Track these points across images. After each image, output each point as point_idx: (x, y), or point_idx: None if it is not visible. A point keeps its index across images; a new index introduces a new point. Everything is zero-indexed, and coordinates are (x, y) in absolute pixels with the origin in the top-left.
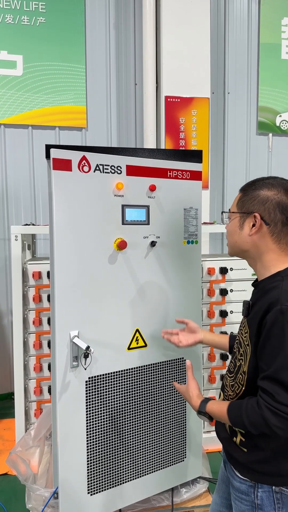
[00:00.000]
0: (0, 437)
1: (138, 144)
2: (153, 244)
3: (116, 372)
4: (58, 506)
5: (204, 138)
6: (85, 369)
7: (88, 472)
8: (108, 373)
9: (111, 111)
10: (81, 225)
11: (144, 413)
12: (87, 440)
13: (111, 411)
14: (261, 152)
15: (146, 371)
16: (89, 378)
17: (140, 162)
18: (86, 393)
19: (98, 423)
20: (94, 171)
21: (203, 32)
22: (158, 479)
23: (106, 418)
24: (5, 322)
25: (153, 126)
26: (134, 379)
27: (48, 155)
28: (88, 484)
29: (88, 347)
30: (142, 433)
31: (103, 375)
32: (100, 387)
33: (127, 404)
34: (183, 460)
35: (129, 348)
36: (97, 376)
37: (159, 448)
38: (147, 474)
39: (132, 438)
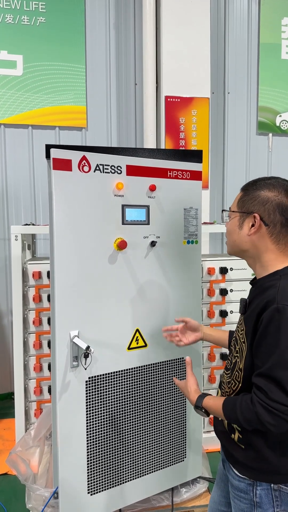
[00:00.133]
0: (0, 437)
1: (138, 144)
2: (153, 244)
3: (116, 372)
4: (58, 506)
5: (204, 138)
6: (85, 369)
7: (88, 472)
8: (108, 373)
9: (111, 111)
10: (81, 225)
11: (144, 413)
12: (87, 440)
13: (111, 411)
14: (261, 152)
15: (146, 371)
16: (89, 378)
17: (140, 162)
18: (86, 393)
19: (98, 423)
20: (94, 171)
21: (203, 32)
22: (158, 479)
23: (106, 418)
24: (5, 322)
25: (153, 126)
26: (134, 379)
27: (48, 155)
28: (88, 484)
29: (88, 347)
30: (142, 433)
31: (103, 375)
32: (100, 387)
33: (127, 404)
34: (183, 460)
35: (129, 348)
36: (97, 376)
37: (159, 448)
38: (147, 474)
39: (132, 438)
